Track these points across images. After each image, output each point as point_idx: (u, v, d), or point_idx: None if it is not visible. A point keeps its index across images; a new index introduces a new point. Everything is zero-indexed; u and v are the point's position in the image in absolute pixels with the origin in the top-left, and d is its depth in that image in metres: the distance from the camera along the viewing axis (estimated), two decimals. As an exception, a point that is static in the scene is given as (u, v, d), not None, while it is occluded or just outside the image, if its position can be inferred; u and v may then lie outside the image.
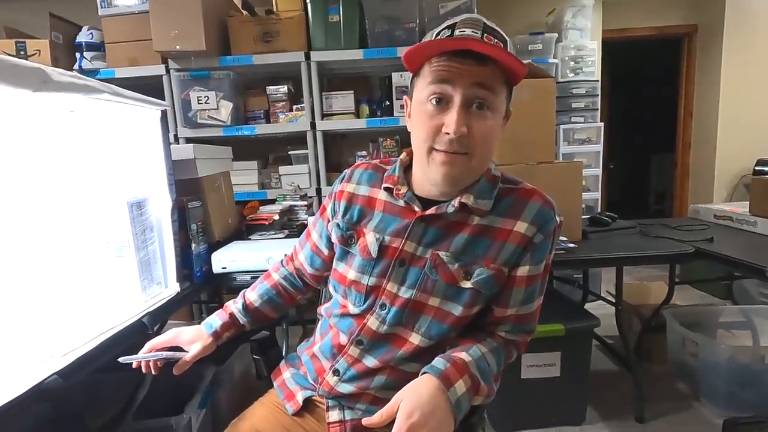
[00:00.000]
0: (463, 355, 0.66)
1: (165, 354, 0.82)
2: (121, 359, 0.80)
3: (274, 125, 2.35)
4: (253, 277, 1.33)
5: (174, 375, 0.83)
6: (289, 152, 2.41)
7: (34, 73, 0.67)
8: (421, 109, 0.67)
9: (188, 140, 2.30)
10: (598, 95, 2.60)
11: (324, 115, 2.33)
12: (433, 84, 0.64)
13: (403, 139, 2.32)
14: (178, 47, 2.06)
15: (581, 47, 2.61)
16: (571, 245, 1.40)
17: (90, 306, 0.92)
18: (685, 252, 1.36)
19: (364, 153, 2.37)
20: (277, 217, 1.63)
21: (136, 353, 0.82)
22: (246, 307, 0.90)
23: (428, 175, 0.69)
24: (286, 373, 0.86)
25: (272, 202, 1.92)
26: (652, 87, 5.16)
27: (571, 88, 2.57)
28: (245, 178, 2.42)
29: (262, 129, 2.32)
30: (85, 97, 0.83)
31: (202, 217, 1.33)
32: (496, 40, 0.63)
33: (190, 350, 0.83)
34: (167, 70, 2.25)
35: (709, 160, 3.24)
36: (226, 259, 1.33)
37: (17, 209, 0.75)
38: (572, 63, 2.63)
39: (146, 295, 1.08)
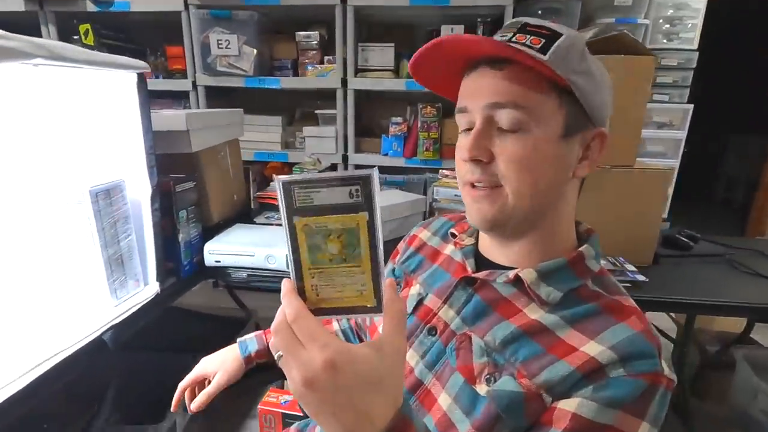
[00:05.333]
0: None
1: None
2: None
3: (301, 79, 2.08)
4: (250, 275, 1.15)
5: (161, 373, 0.77)
6: (316, 111, 2.15)
7: None
8: (458, 142, 0.55)
9: (207, 89, 2.08)
10: (692, 69, 2.11)
11: (358, 71, 2.02)
12: (458, 113, 0.54)
13: (445, 107, 1.99)
14: (195, -22, 1.77)
15: (682, 5, 2.09)
16: (640, 278, 1.11)
17: (36, 325, 0.76)
18: (794, 308, 1.05)
19: (399, 119, 2.07)
20: (288, 198, 1.41)
21: (94, 376, 0.71)
22: None
23: (467, 217, 0.56)
24: None
25: (294, 165, 1.70)
26: (755, 60, 4.37)
27: (660, 58, 2.08)
28: (267, 135, 2.20)
29: (287, 83, 2.06)
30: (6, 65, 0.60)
31: (196, 199, 1.13)
32: (530, 37, 0.48)
33: (213, 381, 0.74)
34: (186, 6, 1.98)
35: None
36: (220, 251, 1.15)
37: None
38: (666, 26, 2.11)
39: (117, 299, 0.92)
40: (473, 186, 0.52)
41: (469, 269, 0.57)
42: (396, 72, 2.04)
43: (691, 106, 2.14)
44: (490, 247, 0.58)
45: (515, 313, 0.51)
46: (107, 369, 0.75)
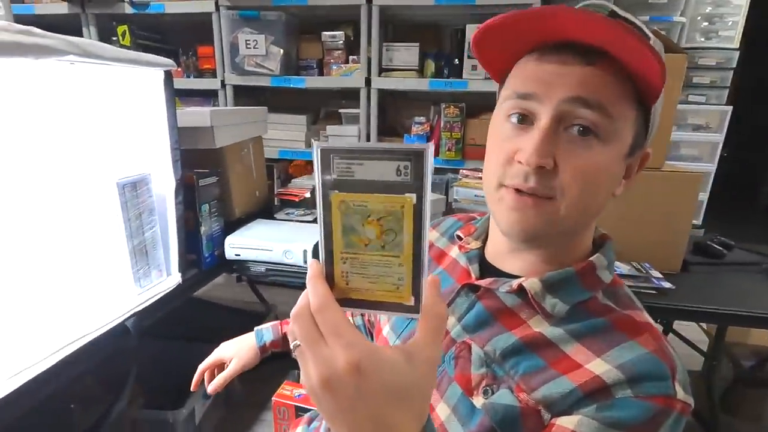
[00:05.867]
0: None
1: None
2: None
3: (326, 78, 2.10)
4: (268, 269, 1.17)
5: (181, 361, 0.77)
6: (340, 110, 2.17)
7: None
8: (497, 130, 0.48)
9: (235, 88, 2.13)
10: (732, 69, 2.01)
11: (382, 70, 2.03)
12: (514, 98, 0.45)
13: (468, 107, 1.97)
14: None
15: (722, 2, 2.00)
16: (666, 285, 1.07)
17: (64, 309, 0.80)
18: (835, 322, 0.98)
19: (422, 119, 2.06)
20: (308, 195, 1.44)
21: (118, 362, 0.75)
22: None
23: (496, 221, 0.49)
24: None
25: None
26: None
27: (698, 57, 1.99)
28: (292, 134, 2.23)
29: (312, 82, 2.08)
30: (39, 62, 0.64)
31: (219, 194, 1.17)
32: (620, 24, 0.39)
33: (229, 366, 0.75)
34: (217, 8, 2.04)
35: None
36: (240, 245, 1.17)
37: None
38: (705, 23, 2.02)
39: (141, 287, 0.96)
40: (518, 191, 0.44)
41: (472, 276, 0.54)
42: (420, 71, 2.03)
43: (730, 107, 2.04)
44: (498, 253, 0.54)
45: (518, 325, 0.48)
46: (130, 355, 0.78)
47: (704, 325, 1.73)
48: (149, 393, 0.99)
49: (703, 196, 2.14)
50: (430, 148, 0.27)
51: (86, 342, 0.79)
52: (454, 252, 0.61)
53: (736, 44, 2.04)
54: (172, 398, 1.11)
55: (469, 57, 1.93)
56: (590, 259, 0.49)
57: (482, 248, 0.56)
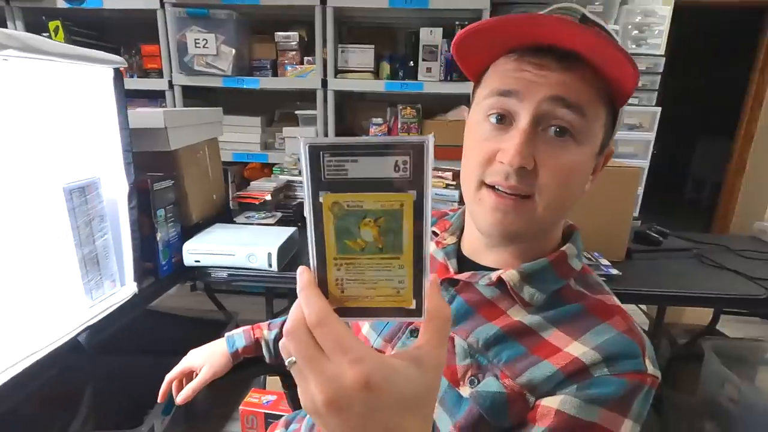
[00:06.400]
0: None
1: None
2: None
3: (281, 79, 2.07)
4: (230, 275, 1.14)
5: (139, 376, 0.75)
6: (296, 112, 2.14)
7: None
8: (476, 130, 0.49)
9: (183, 89, 2.04)
10: (659, 73, 2.20)
11: (338, 71, 2.02)
12: (494, 96, 0.46)
13: (425, 109, 2.02)
14: (171, -23, 1.75)
15: (650, 12, 2.18)
16: (614, 272, 1.15)
17: (9, 325, 0.73)
18: (756, 297, 1.11)
19: (380, 120, 2.08)
20: (269, 197, 1.40)
21: (70, 379, 0.68)
22: (278, 341, 0.76)
23: (475, 220, 0.51)
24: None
25: (274, 166, 1.69)
26: (718, 66, 4.59)
27: (630, 62, 2.17)
28: (246, 135, 2.17)
29: (266, 83, 2.04)
30: (-25, 56, 0.59)
31: (175, 198, 1.11)
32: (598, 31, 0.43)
33: (199, 374, 0.73)
34: (162, 4, 1.94)
35: (771, 157, 2.85)
36: (199, 251, 1.13)
37: None
38: (635, 32, 2.20)
39: (92, 299, 0.89)
40: (498, 190, 0.46)
41: (451, 270, 0.55)
42: (376, 73, 2.05)
43: (659, 108, 2.22)
44: (475, 247, 0.55)
45: (498, 315, 0.50)
46: (83, 372, 0.72)
47: (644, 307, 1.88)
48: (105, 411, 0.93)
49: (639, 190, 2.32)
50: (431, 140, 0.25)
51: (35, 360, 0.72)
52: (431, 247, 0.61)
53: (662, 51, 2.24)
54: (128, 415, 1.05)
55: (423, 59, 1.98)
56: (562, 249, 0.52)
57: (458, 243, 0.58)
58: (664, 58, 2.20)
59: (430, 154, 0.25)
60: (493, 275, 0.50)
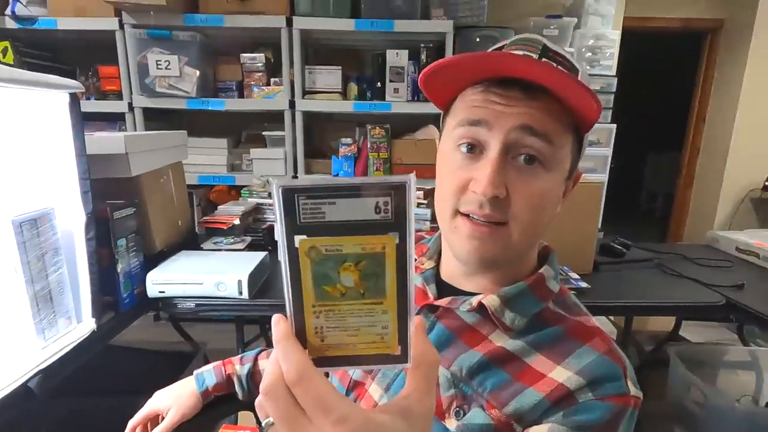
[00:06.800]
0: None
1: None
2: None
3: (248, 100, 2.04)
4: (198, 305, 1.08)
5: (99, 419, 0.70)
6: (263, 133, 2.11)
7: None
8: (448, 158, 0.49)
9: (145, 111, 1.98)
10: (613, 93, 2.33)
11: (306, 92, 2.02)
12: (464, 126, 0.47)
13: (393, 129, 2.04)
14: (132, -1, 1.71)
15: (601, 36, 2.32)
16: (584, 285, 1.18)
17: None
18: (715, 304, 1.16)
19: (349, 140, 2.09)
20: (237, 222, 1.36)
21: (24, 426, 0.61)
22: (251, 376, 0.72)
23: (452, 248, 0.50)
24: None
25: (242, 188, 1.64)
26: (664, 85, 4.92)
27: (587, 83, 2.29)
28: (212, 158, 2.12)
29: (232, 104, 2.01)
30: None
31: (137, 226, 1.06)
32: (559, 67, 0.45)
33: (167, 417, 0.69)
34: (121, 26, 1.89)
35: (717, 169, 3.05)
36: (164, 280, 1.07)
37: None
38: (589, 54, 2.34)
39: (45, 340, 0.83)
40: (473, 218, 0.46)
41: (430, 296, 0.54)
42: (344, 94, 2.07)
43: (614, 125, 2.35)
44: (453, 273, 0.55)
45: (480, 341, 0.49)
46: (36, 419, 0.66)
47: (611, 316, 1.94)
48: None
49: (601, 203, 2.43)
50: (412, 178, 0.24)
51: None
52: None
53: (614, 71, 2.38)
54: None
55: (390, 81, 2.01)
56: (540, 271, 0.52)
57: (436, 267, 0.57)
58: (616, 79, 2.34)
59: (412, 193, 0.25)
60: (474, 301, 0.50)
